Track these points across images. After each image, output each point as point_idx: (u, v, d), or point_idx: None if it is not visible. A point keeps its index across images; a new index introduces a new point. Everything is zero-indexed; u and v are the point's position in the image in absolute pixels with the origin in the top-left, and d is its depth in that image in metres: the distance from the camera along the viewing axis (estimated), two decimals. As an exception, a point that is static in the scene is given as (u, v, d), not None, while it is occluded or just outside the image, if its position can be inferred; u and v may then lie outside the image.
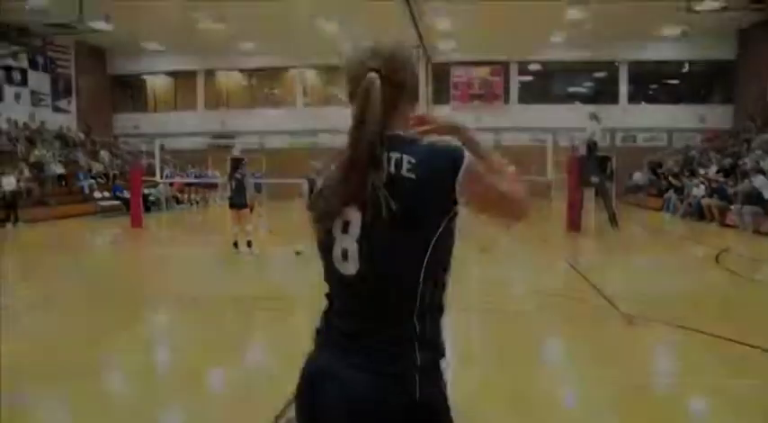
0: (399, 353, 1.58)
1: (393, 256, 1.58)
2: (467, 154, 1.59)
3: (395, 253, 1.58)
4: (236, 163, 11.87)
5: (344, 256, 1.61)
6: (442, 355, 1.66)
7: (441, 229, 1.59)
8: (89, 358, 5.38)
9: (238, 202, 11.38)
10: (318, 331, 1.76)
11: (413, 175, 1.55)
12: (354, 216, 1.59)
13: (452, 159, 1.57)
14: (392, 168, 1.56)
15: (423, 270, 1.58)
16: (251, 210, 11.87)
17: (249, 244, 11.45)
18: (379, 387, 1.56)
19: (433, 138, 1.70)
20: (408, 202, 1.53)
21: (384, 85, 1.60)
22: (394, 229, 1.53)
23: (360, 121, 1.57)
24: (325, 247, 1.67)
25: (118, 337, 6.07)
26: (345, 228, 1.61)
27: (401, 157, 1.57)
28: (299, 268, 10.48)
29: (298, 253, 10.67)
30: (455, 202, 1.58)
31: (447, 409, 1.65)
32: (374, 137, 1.55)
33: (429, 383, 1.59)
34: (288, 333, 6.39)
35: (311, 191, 1.75)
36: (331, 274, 1.68)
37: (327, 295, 1.74)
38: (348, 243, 1.60)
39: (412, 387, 1.56)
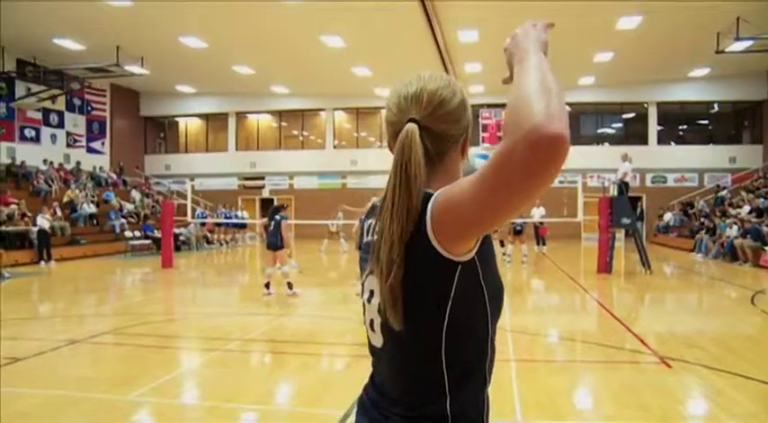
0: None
1: (408, 332, 1.39)
2: (435, 194, 1.34)
3: (409, 328, 1.38)
4: (278, 207, 11.94)
5: (372, 326, 1.52)
6: None
7: (452, 297, 1.37)
8: (116, 401, 5.39)
9: (274, 243, 11.43)
10: (361, 395, 1.62)
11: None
12: (376, 286, 1.44)
13: (419, 215, 1.34)
14: None
15: (444, 343, 1.39)
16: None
17: (290, 286, 11.44)
18: None
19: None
20: (405, 275, 1.35)
21: (425, 137, 1.41)
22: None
23: (396, 181, 1.36)
24: (363, 313, 1.59)
25: (146, 378, 6.07)
26: (370, 297, 1.51)
27: None
28: (328, 311, 10.50)
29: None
30: (450, 261, 1.34)
31: None
32: (409, 204, 1.34)
33: None
34: (312, 380, 6.39)
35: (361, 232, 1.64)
36: (368, 340, 1.59)
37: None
38: (374, 314, 1.49)
39: None
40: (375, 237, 1.43)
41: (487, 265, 1.43)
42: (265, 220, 12.53)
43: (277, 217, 11.46)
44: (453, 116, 1.46)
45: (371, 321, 1.51)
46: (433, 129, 1.42)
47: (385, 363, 1.51)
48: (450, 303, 1.37)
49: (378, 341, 1.51)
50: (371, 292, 1.49)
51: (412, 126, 1.39)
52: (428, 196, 1.35)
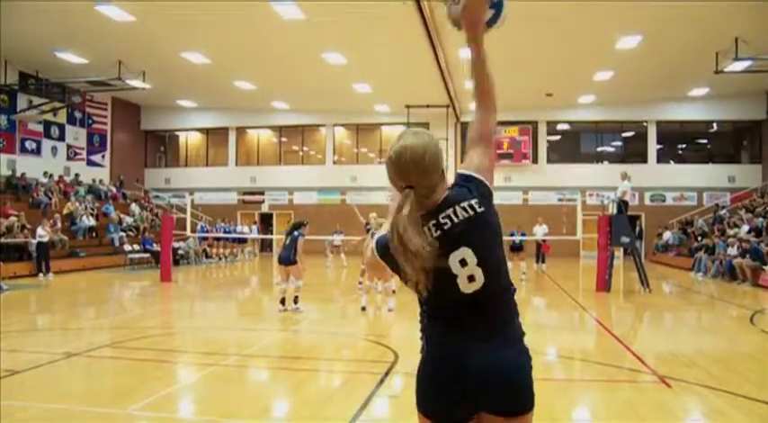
0: (517, 333, 2.23)
1: (499, 262, 2.24)
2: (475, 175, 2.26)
3: (498, 258, 2.24)
4: (299, 223, 11.90)
5: (471, 279, 2.14)
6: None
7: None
8: (113, 415, 5.37)
9: (287, 257, 11.41)
10: (434, 334, 2.24)
11: (482, 208, 2.16)
12: (467, 253, 2.13)
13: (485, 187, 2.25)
14: (468, 212, 2.14)
15: (504, 263, 2.29)
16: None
17: (296, 300, 11.43)
18: (516, 357, 2.18)
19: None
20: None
21: (417, 193, 2.12)
22: (492, 247, 2.21)
23: (394, 229, 2.08)
24: (445, 282, 2.14)
25: (143, 392, 6.04)
26: (463, 263, 2.14)
27: (464, 204, 2.15)
28: (327, 326, 10.49)
29: None
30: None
31: None
32: (411, 219, 2.08)
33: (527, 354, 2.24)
34: (310, 396, 6.37)
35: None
36: (449, 298, 2.18)
37: (438, 315, 2.23)
38: (473, 270, 2.14)
39: (529, 358, 2.22)
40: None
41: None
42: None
43: (295, 233, 11.47)
44: (433, 171, 2.16)
45: (469, 277, 2.14)
46: (423, 184, 2.14)
47: (481, 297, 2.16)
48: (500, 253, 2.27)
49: (470, 289, 2.15)
50: (463, 260, 2.14)
51: (408, 190, 2.12)
52: (447, 198, 2.18)
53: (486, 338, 2.15)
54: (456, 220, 2.14)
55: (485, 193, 2.20)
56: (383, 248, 2.20)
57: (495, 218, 2.22)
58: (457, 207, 2.14)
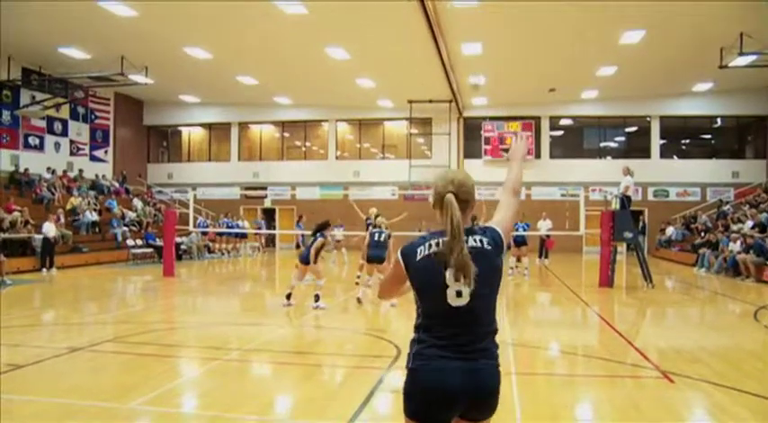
0: (494, 351, 2.65)
1: (488, 294, 2.66)
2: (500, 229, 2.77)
3: (489, 292, 2.66)
4: (324, 224, 11.87)
5: (459, 294, 2.56)
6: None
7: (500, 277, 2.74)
8: (116, 410, 5.37)
9: (306, 256, 11.43)
10: (421, 349, 2.66)
11: (489, 247, 2.66)
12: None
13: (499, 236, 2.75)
14: (476, 244, 2.64)
15: (495, 301, 2.72)
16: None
17: (317, 298, 11.39)
18: (493, 371, 2.63)
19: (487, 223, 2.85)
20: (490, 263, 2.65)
21: (456, 201, 2.65)
22: (486, 279, 2.61)
23: (451, 221, 2.59)
24: (438, 291, 2.59)
25: (146, 387, 6.05)
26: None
27: (477, 238, 2.67)
28: (328, 321, 10.49)
29: None
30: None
31: None
32: (461, 229, 2.59)
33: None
34: (313, 391, 6.37)
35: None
36: (438, 307, 2.61)
37: (427, 324, 2.68)
38: (461, 287, 2.55)
39: (498, 372, 2.66)
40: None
41: None
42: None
43: (318, 235, 11.49)
44: (470, 191, 2.75)
45: (457, 292, 2.56)
46: (460, 197, 2.69)
47: (465, 314, 2.59)
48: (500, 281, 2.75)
49: (456, 303, 2.57)
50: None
51: (450, 196, 2.67)
52: (470, 228, 2.72)
53: (469, 355, 2.58)
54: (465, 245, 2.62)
55: (497, 241, 2.70)
56: (409, 255, 2.72)
57: (500, 263, 2.70)
58: (470, 237, 2.64)
